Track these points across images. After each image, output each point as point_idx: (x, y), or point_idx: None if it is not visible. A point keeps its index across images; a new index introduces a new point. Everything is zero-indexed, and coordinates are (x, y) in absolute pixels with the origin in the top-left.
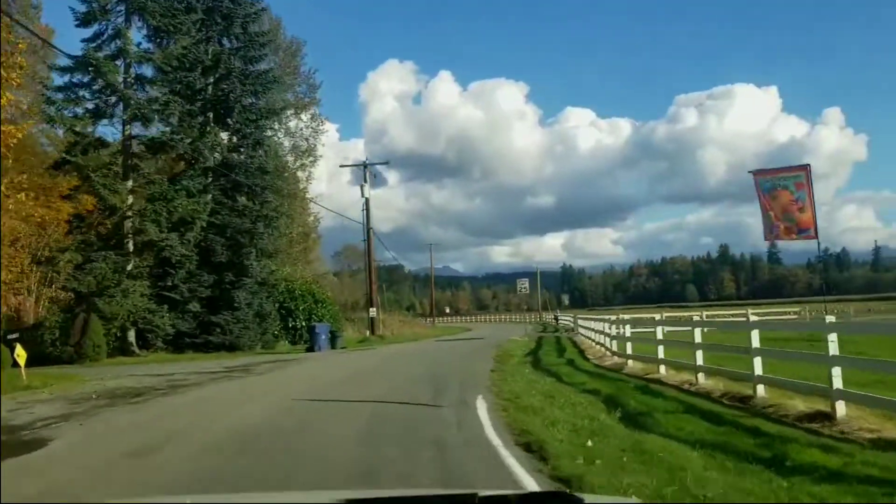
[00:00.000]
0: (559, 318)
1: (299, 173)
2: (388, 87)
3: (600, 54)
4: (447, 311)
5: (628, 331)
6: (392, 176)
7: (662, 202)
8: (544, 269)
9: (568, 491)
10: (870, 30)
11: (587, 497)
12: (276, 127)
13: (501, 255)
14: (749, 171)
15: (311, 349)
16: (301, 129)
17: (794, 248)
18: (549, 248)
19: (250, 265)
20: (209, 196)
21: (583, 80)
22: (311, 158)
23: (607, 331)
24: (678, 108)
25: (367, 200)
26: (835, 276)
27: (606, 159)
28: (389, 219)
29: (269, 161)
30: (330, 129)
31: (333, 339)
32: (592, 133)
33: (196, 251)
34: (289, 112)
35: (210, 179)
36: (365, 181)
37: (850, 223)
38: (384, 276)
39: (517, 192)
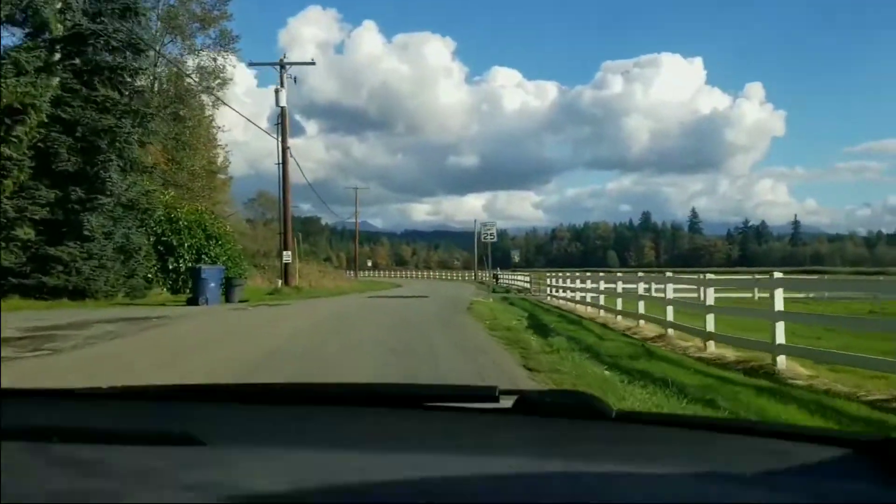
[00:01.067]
0: (499, 277)
1: (204, 97)
2: (310, 34)
3: (529, 15)
4: (368, 264)
5: (670, 291)
6: (311, 126)
7: (585, 167)
8: (464, 230)
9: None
10: (791, 8)
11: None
12: None
13: (421, 212)
14: None
15: (193, 301)
16: (207, 47)
17: (714, 220)
18: (470, 209)
19: (109, 179)
20: (55, 80)
21: (511, 41)
22: (217, 81)
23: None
24: (605, 73)
25: (283, 110)
26: (754, 249)
27: (532, 122)
28: (308, 169)
29: (143, 33)
30: (244, 73)
31: (229, 290)
32: (519, 94)
33: (30, 154)
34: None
35: (58, 56)
36: (281, 85)
37: (766, 197)
38: (299, 226)
39: (440, 150)
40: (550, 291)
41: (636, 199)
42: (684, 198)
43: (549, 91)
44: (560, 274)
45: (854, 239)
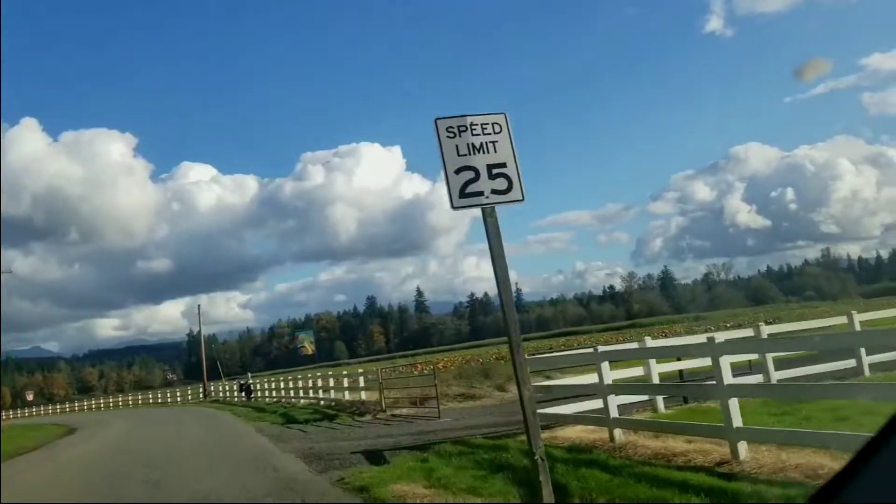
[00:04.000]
0: (249, 385)
1: None
2: None
3: (218, 106)
4: (28, 398)
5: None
6: None
7: (294, 261)
8: (162, 342)
9: None
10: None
11: None
12: None
13: (108, 328)
14: None
15: None
16: None
17: (441, 299)
18: (168, 318)
19: None
20: None
21: (201, 134)
22: None
23: None
24: (305, 164)
25: None
26: (482, 321)
27: (231, 218)
28: None
29: None
30: None
31: None
32: (214, 190)
33: None
34: None
35: None
36: None
37: (473, 273)
38: None
39: (126, 256)
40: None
41: (350, 287)
42: (397, 281)
43: (248, 185)
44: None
45: (569, 301)
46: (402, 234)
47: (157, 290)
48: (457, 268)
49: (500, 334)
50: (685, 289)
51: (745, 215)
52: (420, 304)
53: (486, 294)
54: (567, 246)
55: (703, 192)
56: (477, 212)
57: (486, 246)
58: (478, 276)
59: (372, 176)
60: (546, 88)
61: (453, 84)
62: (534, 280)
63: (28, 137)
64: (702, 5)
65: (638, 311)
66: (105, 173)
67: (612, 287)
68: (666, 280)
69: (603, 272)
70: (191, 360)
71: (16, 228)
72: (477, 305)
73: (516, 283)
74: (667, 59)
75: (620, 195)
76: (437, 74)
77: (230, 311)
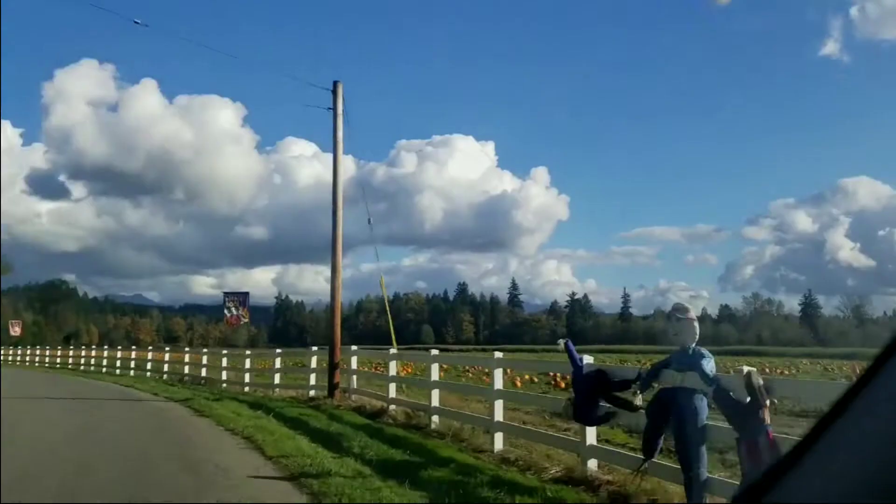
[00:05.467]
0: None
1: None
2: (80, 89)
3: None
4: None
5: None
6: (79, 189)
7: (381, 243)
8: (253, 304)
9: None
10: (573, 94)
11: None
12: None
13: (203, 285)
14: None
15: None
16: None
17: (552, 291)
18: (258, 282)
19: None
20: None
21: (306, 111)
22: None
23: None
24: (399, 151)
25: None
26: (581, 324)
27: (327, 195)
28: (75, 237)
29: None
30: None
31: None
32: (313, 167)
33: None
34: None
35: None
36: None
37: (552, 277)
38: (35, 294)
39: (226, 220)
40: None
41: (432, 276)
42: (477, 275)
43: (346, 165)
44: None
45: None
46: (486, 230)
47: (251, 255)
48: (536, 269)
49: (600, 341)
50: (830, 321)
51: (847, 252)
52: (514, 298)
53: (585, 296)
54: (651, 261)
55: (803, 222)
56: (563, 214)
57: (568, 251)
58: (557, 279)
59: (462, 168)
60: (646, 98)
61: (545, 85)
62: (611, 292)
63: (146, 98)
64: (819, 28)
65: (766, 338)
66: (213, 139)
67: (726, 306)
68: (809, 307)
69: (687, 293)
70: (276, 324)
71: (128, 182)
72: (576, 307)
73: (584, 293)
74: (778, 79)
75: (713, 216)
76: (536, 73)
77: (317, 283)
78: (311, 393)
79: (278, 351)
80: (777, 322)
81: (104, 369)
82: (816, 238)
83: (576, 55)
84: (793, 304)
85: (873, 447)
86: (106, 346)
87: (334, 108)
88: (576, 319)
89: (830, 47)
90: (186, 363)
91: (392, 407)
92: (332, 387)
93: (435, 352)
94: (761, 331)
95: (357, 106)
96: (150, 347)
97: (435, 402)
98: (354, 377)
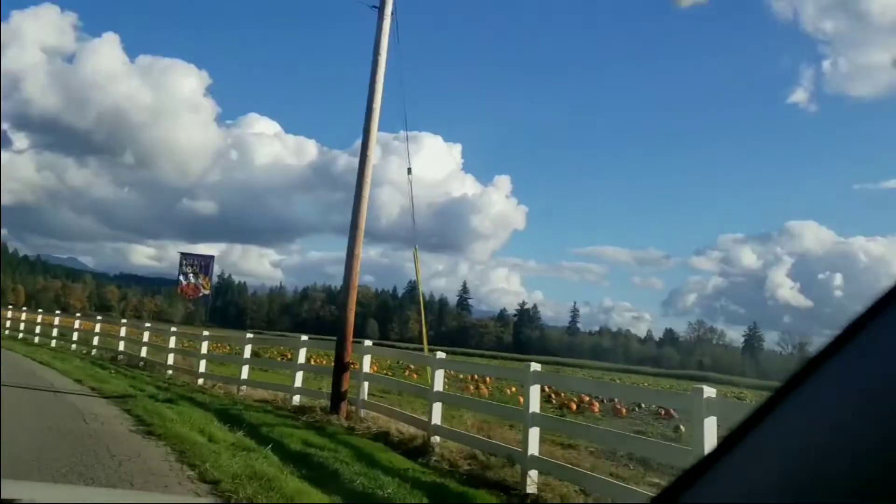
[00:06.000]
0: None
1: None
2: (37, 35)
3: (290, 68)
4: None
5: None
6: (22, 140)
7: (333, 232)
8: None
9: None
10: (545, 109)
11: None
12: None
13: (142, 256)
14: None
15: None
16: None
17: (499, 299)
18: None
19: None
20: None
21: (271, 90)
22: None
23: None
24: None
25: None
26: (528, 334)
27: (284, 178)
28: (11, 190)
29: None
30: None
31: None
32: (274, 147)
33: None
34: None
35: None
36: None
37: (500, 284)
38: None
39: (174, 191)
40: None
41: (381, 271)
42: (426, 276)
43: (308, 149)
44: None
45: (631, 336)
46: (441, 231)
47: (196, 230)
48: (486, 275)
49: (546, 352)
50: (770, 355)
51: (787, 291)
52: (463, 301)
53: (534, 306)
54: (599, 280)
55: (748, 258)
56: (519, 224)
57: (519, 260)
58: (506, 287)
59: (426, 167)
60: (609, 126)
61: (518, 96)
62: (558, 305)
63: (106, 52)
64: (790, 76)
65: (707, 364)
66: (172, 105)
67: (671, 330)
68: (752, 339)
69: (630, 314)
70: (215, 303)
71: (75, 139)
72: (525, 316)
73: (534, 304)
74: (742, 118)
75: (664, 242)
76: (505, 82)
77: (261, 266)
78: (296, 400)
79: (249, 335)
80: (718, 350)
81: (20, 334)
82: (759, 274)
83: (551, 76)
84: (734, 334)
85: (788, 452)
86: (24, 308)
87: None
88: (523, 328)
89: (799, 95)
90: (122, 338)
91: (436, 439)
92: (338, 398)
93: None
94: (703, 357)
95: (324, 89)
96: (78, 315)
97: (533, 447)
98: (366, 385)
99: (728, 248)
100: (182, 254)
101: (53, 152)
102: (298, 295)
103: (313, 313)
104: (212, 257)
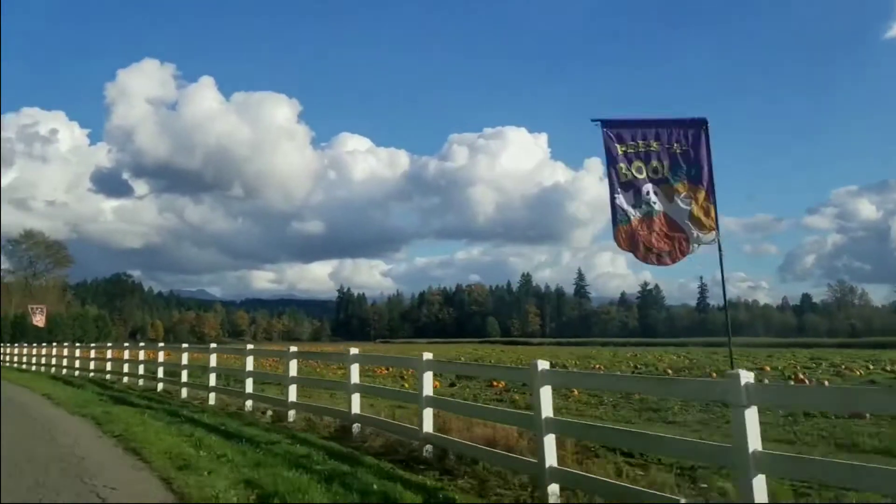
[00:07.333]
0: None
1: None
2: (141, 88)
3: (377, 82)
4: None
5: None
6: (141, 187)
7: (434, 237)
8: (311, 298)
9: None
10: (627, 86)
11: None
12: None
13: (263, 280)
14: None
15: None
16: None
17: (605, 284)
18: (316, 277)
19: None
20: None
21: (360, 107)
22: None
23: None
24: (451, 145)
25: None
26: (654, 316)
27: (381, 190)
28: (139, 234)
29: None
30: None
31: None
32: (368, 161)
33: None
34: None
35: None
36: None
37: (606, 269)
38: (101, 289)
39: (283, 216)
40: None
41: (484, 268)
42: (530, 268)
43: (399, 159)
44: None
45: (769, 308)
46: (539, 222)
47: (308, 250)
48: (590, 261)
49: (675, 334)
50: None
51: None
52: (581, 290)
53: (656, 286)
54: (708, 251)
55: (867, 210)
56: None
57: None
58: (612, 272)
59: (515, 160)
60: (700, 85)
61: (609, 75)
62: (669, 283)
63: (204, 95)
64: (884, 9)
65: (859, 329)
66: (270, 136)
67: (808, 295)
68: None
69: (745, 284)
70: (339, 317)
71: (188, 180)
72: (648, 298)
73: (655, 284)
74: (839, 63)
75: (773, 205)
76: (595, 64)
77: (372, 277)
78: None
79: (354, 351)
80: (867, 311)
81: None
82: (880, 225)
83: (632, 47)
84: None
85: None
86: (161, 343)
87: None
88: (648, 311)
89: None
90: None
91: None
92: None
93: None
94: (852, 321)
95: (407, 100)
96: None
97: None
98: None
99: (843, 202)
100: None
101: (171, 194)
102: (416, 300)
103: (432, 317)
104: None
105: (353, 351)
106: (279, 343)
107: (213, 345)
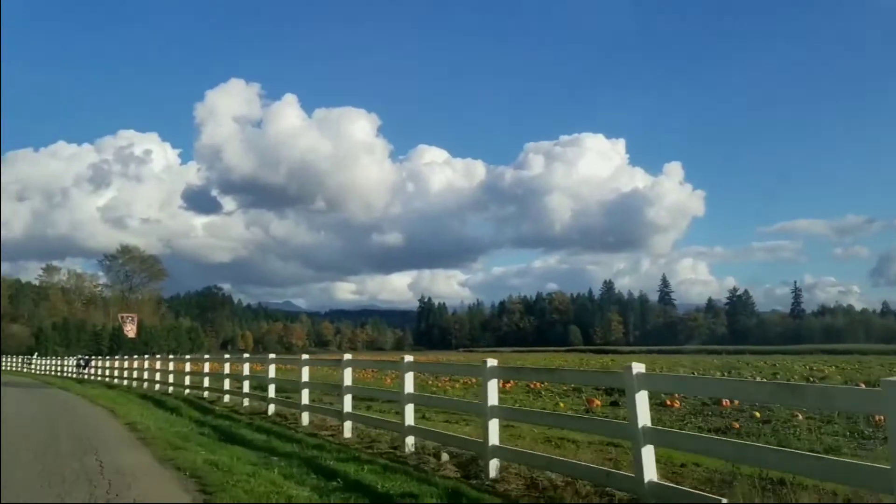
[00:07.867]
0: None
1: None
2: (227, 107)
3: (454, 94)
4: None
5: None
6: (229, 203)
7: (510, 246)
8: (392, 308)
9: None
10: (707, 89)
11: None
12: None
13: (345, 291)
14: None
15: None
16: None
17: (687, 291)
18: (395, 288)
19: None
20: None
21: (437, 119)
22: None
23: None
24: (527, 154)
25: None
26: (744, 323)
27: (457, 200)
28: (227, 249)
29: None
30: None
31: None
32: (444, 173)
33: None
34: None
35: None
36: None
37: (687, 276)
38: (194, 302)
39: (363, 228)
40: None
41: (562, 276)
42: (608, 275)
43: (475, 170)
44: None
45: (868, 313)
46: (617, 228)
47: (388, 261)
48: (670, 267)
49: (768, 341)
50: None
51: None
52: (665, 296)
53: (746, 292)
54: (795, 256)
55: None
56: (698, 210)
57: (703, 248)
58: (693, 278)
59: (591, 167)
60: (784, 84)
61: (685, 78)
62: (754, 289)
63: (287, 113)
64: None
65: None
66: (350, 150)
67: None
68: None
69: (836, 289)
70: (420, 327)
71: (273, 195)
72: (738, 304)
73: (745, 289)
74: None
75: (864, 205)
76: (669, 66)
77: (450, 287)
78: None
79: (408, 359)
80: None
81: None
82: None
83: (706, 50)
84: None
85: None
86: (247, 354)
87: None
88: (737, 317)
89: None
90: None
91: None
92: None
93: None
94: None
95: (482, 110)
96: (303, 355)
97: None
98: None
99: None
100: None
101: (257, 209)
102: (496, 309)
103: (513, 325)
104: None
105: (492, 363)
106: (365, 353)
107: (348, 356)
